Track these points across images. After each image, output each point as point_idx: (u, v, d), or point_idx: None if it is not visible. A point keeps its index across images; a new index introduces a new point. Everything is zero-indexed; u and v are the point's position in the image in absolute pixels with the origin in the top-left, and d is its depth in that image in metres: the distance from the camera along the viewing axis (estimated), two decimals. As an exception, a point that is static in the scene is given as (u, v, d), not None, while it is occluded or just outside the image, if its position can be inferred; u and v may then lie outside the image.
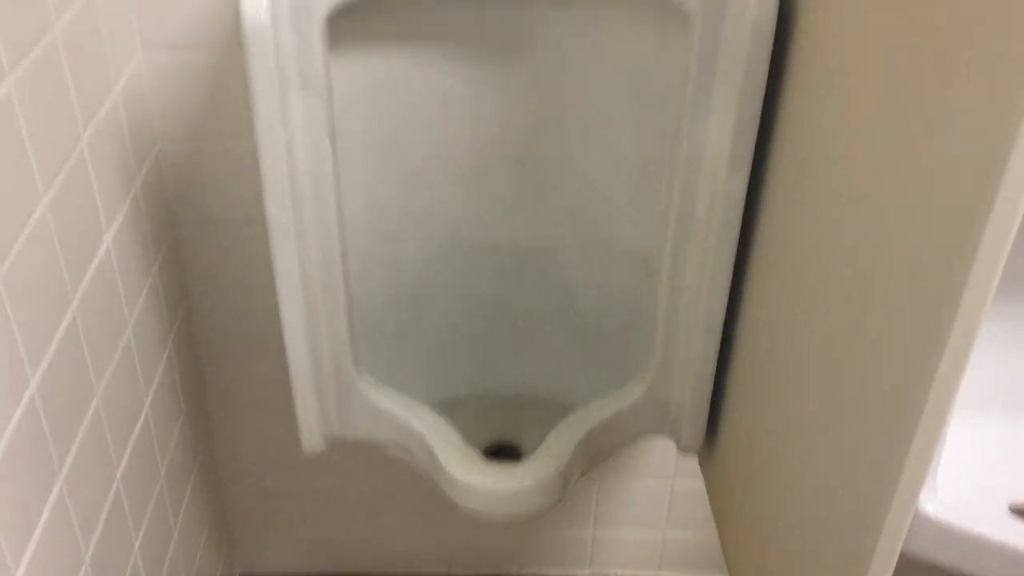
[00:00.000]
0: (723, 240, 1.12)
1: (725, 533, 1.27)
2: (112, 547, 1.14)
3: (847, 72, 0.85)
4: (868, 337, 0.78)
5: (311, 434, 1.27)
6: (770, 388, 1.08)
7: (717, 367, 1.23)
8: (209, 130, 1.34)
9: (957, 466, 1.00)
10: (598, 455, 1.33)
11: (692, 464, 1.65)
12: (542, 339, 1.43)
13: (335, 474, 1.73)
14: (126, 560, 1.20)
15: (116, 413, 1.16)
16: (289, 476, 1.72)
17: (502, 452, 1.42)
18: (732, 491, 1.24)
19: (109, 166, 1.15)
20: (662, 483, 1.75)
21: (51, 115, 0.96)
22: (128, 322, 1.21)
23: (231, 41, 1.27)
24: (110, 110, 1.15)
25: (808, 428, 0.94)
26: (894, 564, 0.76)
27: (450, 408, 1.44)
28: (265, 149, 1.03)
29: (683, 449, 1.31)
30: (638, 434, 1.33)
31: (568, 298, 1.39)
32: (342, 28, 1.07)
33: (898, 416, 0.71)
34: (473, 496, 1.22)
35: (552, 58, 1.20)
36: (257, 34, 0.96)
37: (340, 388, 1.26)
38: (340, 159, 1.16)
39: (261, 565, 1.85)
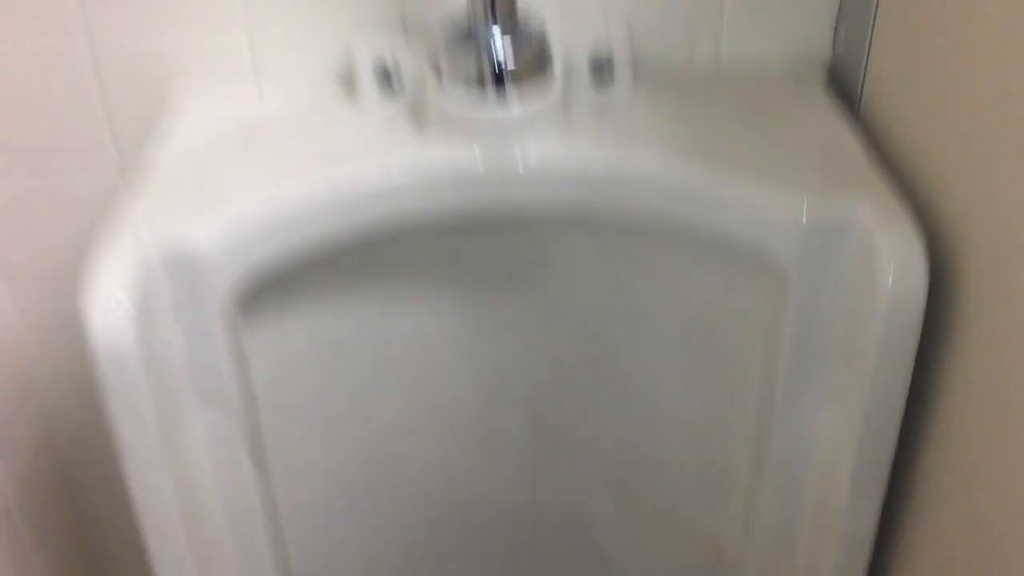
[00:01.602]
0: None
1: None
2: None
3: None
4: None
5: None
6: None
7: None
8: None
9: None
10: None
11: None
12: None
13: None
14: None
15: None
16: None
17: None
18: None
19: None
20: None
21: None
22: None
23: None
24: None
25: None
26: None
27: None
28: (144, 509, 0.67)
29: None
30: None
31: (603, 571, 1.03)
32: (265, 296, 0.72)
33: None
34: None
35: (570, 285, 0.85)
36: (113, 359, 0.60)
37: None
38: (295, 433, 0.82)
39: None
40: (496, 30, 0.71)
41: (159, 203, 0.67)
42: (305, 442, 0.86)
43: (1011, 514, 0.58)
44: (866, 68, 0.79)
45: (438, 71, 0.74)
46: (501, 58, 0.71)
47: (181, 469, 0.68)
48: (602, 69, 0.78)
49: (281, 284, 0.74)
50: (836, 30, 0.84)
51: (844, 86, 0.82)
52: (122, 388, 0.61)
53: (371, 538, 0.96)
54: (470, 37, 0.72)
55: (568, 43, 0.78)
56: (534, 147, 0.72)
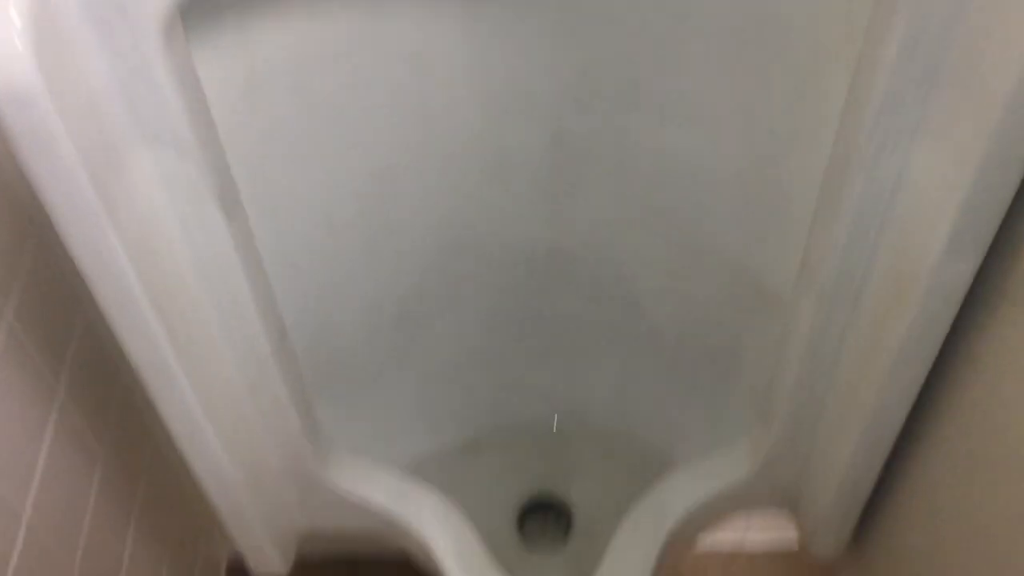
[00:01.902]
0: (923, 339, 0.65)
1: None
2: None
3: None
4: None
5: (261, 558, 0.87)
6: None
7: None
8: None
9: None
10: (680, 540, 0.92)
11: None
12: (591, 358, 0.99)
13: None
14: None
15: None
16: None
17: (543, 511, 1.02)
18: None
19: None
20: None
21: None
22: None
23: None
24: None
25: None
26: None
27: (468, 454, 1.02)
28: (89, 265, 0.55)
29: (811, 552, 0.90)
30: (739, 510, 0.91)
31: (631, 310, 0.93)
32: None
33: None
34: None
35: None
36: (11, 94, 0.45)
37: (301, 486, 0.85)
38: (271, 171, 0.68)
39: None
40: None
41: None
42: (284, 181, 0.72)
43: None
44: None
45: None
46: None
47: (132, 225, 0.55)
48: None
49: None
50: None
51: None
52: (31, 129, 0.47)
53: (368, 284, 0.85)
54: None
55: None
56: None
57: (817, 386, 0.77)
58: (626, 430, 1.01)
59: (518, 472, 1.01)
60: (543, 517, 1.02)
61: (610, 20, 0.72)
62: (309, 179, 0.74)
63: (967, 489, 0.72)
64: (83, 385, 0.84)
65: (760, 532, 1.26)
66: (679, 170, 0.80)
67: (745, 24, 0.67)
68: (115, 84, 0.52)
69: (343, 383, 0.91)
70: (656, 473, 1.00)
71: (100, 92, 0.51)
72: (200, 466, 0.73)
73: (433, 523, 0.86)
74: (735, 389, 0.94)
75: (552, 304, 0.93)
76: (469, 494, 1.01)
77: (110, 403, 0.91)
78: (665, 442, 1.00)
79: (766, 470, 0.86)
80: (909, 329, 0.63)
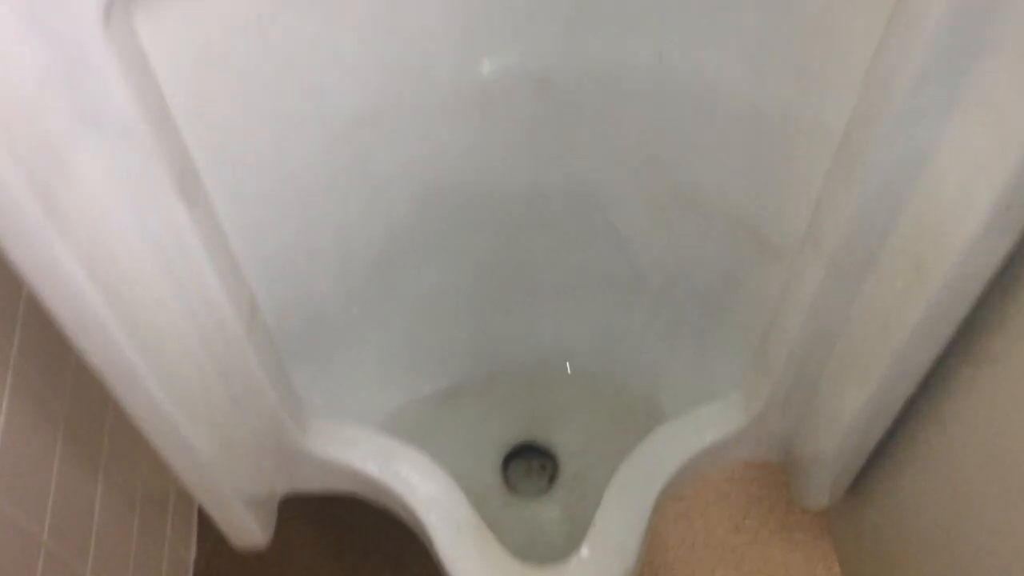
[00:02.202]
0: (944, 315, 0.61)
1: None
2: None
3: None
4: None
5: (242, 532, 0.83)
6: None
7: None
8: None
9: None
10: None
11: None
12: (574, 301, 0.94)
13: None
14: None
15: None
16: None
17: (527, 454, 0.99)
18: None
19: None
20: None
21: None
22: None
23: None
24: None
25: None
26: None
27: (451, 401, 0.98)
28: (37, 280, 0.48)
29: (802, 504, 0.88)
30: (730, 461, 0.89)
31: (614, 252, 0.88)
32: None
33: None
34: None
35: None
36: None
37: (280, 455, 0.81)
38: (231, 134, 0.62)
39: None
40: None
41: None
42: (246, 146, 0.65)
43: None
44: None
45: None
46: None
47: (82, 228, 0.49)
48: None
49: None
50: None
51: None
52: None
53: (339, 241, 0.79)
54: None
55: None
56: None
57: (818, 347, 0.73)
58: (610, 372, 0.98)
59: (501, 417, 0.98)
60: (527, 462, 0.99)
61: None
62: (273, 139, 0.68)
63: (963, 446, 0.70)
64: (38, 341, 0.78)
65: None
66: (676, 113, 0.74)
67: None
68: (51, 78, 0.44)
69: (318, 341, 0.86)
70: (641, 414, 0.97)
71: (32, 91, 0.44)
72: (169, 452, 0.69)
73: (417, 482, 0.82)
74: (724, 331, 0.91)
75: (533, 248, 0.88)
76: (453, 441, 0.98)
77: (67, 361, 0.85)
78: (651, 384, 0.97)
79: (760, 422, 0.83)
80: (928, 307, 0.59)
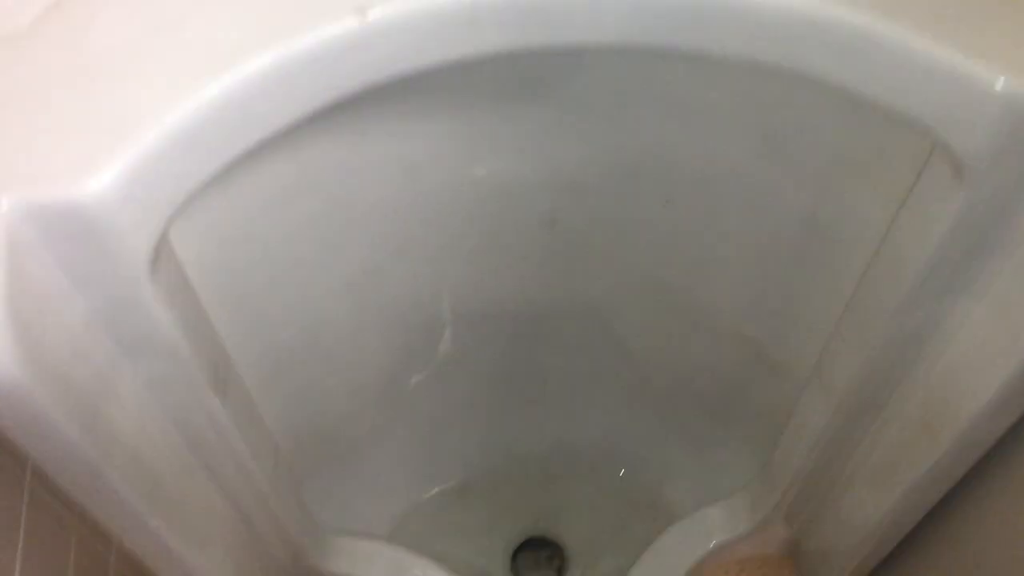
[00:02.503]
0: (944, 475, 0.64)
1: None
2: None
3: None
4: None
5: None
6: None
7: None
8: None
9: None
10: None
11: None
12: (580, 401, 0.96)
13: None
14: None
15: None
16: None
17: (535, 546, 1.01)
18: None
19: None
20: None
21: None
22: None
23: None
24: None
25: None
26: None
27: (461, 498, 1.00)
28: (84, 497, 0.50)
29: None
30: (735, 558, 0.92)
31: (621, 360, 0.91)
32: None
33: None
34: None
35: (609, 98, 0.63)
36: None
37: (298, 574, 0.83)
38: (253, 296, 0.64)
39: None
40: None
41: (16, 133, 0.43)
42: (267, 302, 0.67)
43: None
44: None
45: None
46: None
47: (123, 444, 0.50)
48: None
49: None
50: None
51: None
52: (18, 419, 0.41)
53: (354, 366, 0.81)
54: None
55: None
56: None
57: (826, 471, 0.75)
58: (616, 468, 1.00)
59: (510, 511, 1.00)
60: (536, 553, 1.01)
61: (605, 116, 0.66)
62: (292, 294, 0.69)
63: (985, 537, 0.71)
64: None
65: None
66: (683, 246, 0.76)
67: (765, 133, 0.63)
68: (98, 320, 0.46)
69: (331, 457, 0.88)
70: (647, 507, 0.99)
71: (80, 332, 0.45)
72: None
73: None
74: (729, 434, 0.93)
75: (542, 358, 0.90)
76: (463, 534, 1.00)
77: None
78: (656, 479, 0.99)
79: (766, 526, 0.85)
80: (934, 466, 0.62)
